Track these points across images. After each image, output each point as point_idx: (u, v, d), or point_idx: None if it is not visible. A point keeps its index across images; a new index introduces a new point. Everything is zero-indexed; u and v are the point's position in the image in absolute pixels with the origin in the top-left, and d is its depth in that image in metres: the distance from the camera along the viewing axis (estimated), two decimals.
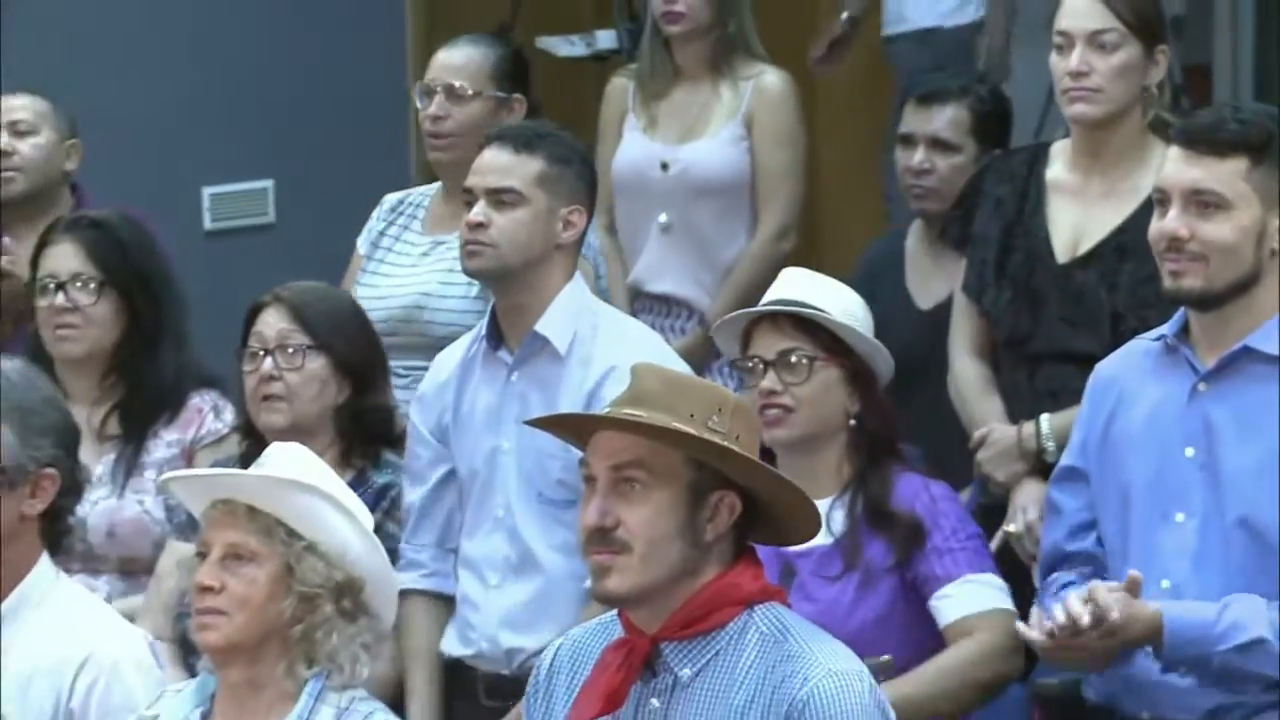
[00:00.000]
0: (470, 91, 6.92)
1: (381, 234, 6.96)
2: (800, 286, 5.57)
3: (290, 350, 6.00)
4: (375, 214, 7.06)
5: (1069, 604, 4.99)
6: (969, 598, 5.36)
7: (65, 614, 5.15)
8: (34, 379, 5.33)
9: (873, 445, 5.46)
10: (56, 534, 5.21)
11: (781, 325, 5.43)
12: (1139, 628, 5.01)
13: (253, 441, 5.92)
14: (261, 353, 5.99)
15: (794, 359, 5.42)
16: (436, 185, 6.97)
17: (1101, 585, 5.01)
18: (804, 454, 5.43)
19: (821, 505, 5.01)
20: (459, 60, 6.99)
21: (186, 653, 5.84)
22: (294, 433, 5.67)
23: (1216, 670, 5.03)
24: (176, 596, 5.91)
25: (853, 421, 5.44)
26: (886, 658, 5.23)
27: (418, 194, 7.07)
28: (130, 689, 4.99)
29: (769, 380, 5.39)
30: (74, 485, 5.21)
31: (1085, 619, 4.97)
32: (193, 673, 5.56)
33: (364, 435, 6.07)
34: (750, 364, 5.45)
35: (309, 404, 6.01)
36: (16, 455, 5.10)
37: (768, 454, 5.25)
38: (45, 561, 5.17)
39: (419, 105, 7.03)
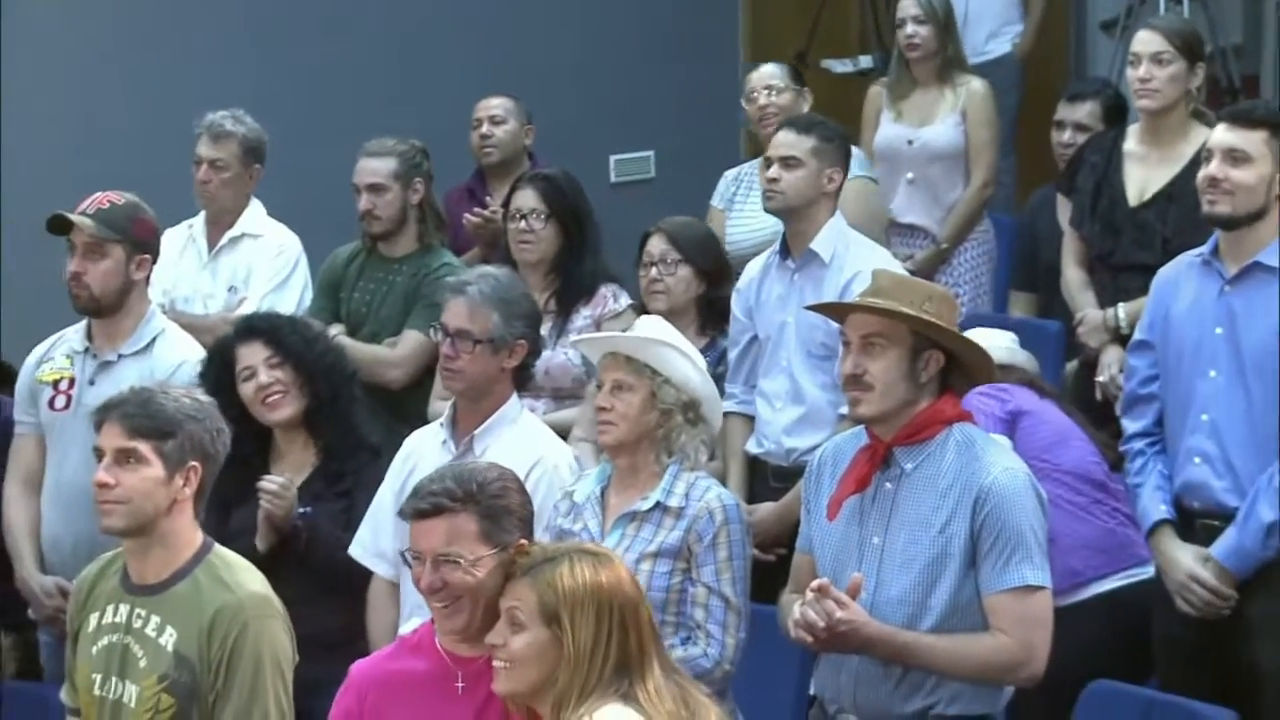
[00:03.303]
0: (783, 86, 7.03)
1: (734, 195, 7.04)
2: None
3: (668, 262, 6.03)
4: (722, 185, 7.16)
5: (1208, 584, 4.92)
6: None
7: (526, 431, 5.17)
8: (515, 280, 5.37)
9: None
10: (522, 380, 5.24)
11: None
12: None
13: None
14: (649, 264, 6.03)
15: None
16: (759, 159, 7.02)
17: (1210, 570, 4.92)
18: None
19: None
20: (773, 70, 7.18)
21: (600, 449, 5.87)
22: (670, 314, 5.66)
23: (1276, 553, 4.92)
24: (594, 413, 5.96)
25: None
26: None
27: (748, 167, 7.15)
28: (564, 480, 5.03)
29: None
30: (536, 350, 5.24)
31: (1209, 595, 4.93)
32: None
33: (715, 315, 6.09)
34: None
35: (680, 296, 6.04)
36: (501, 329, 5.11)
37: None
38: (515, 396, 5.21)
39: (746, 105, 7.17)
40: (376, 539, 5.20)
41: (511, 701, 3.84)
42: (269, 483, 5.27)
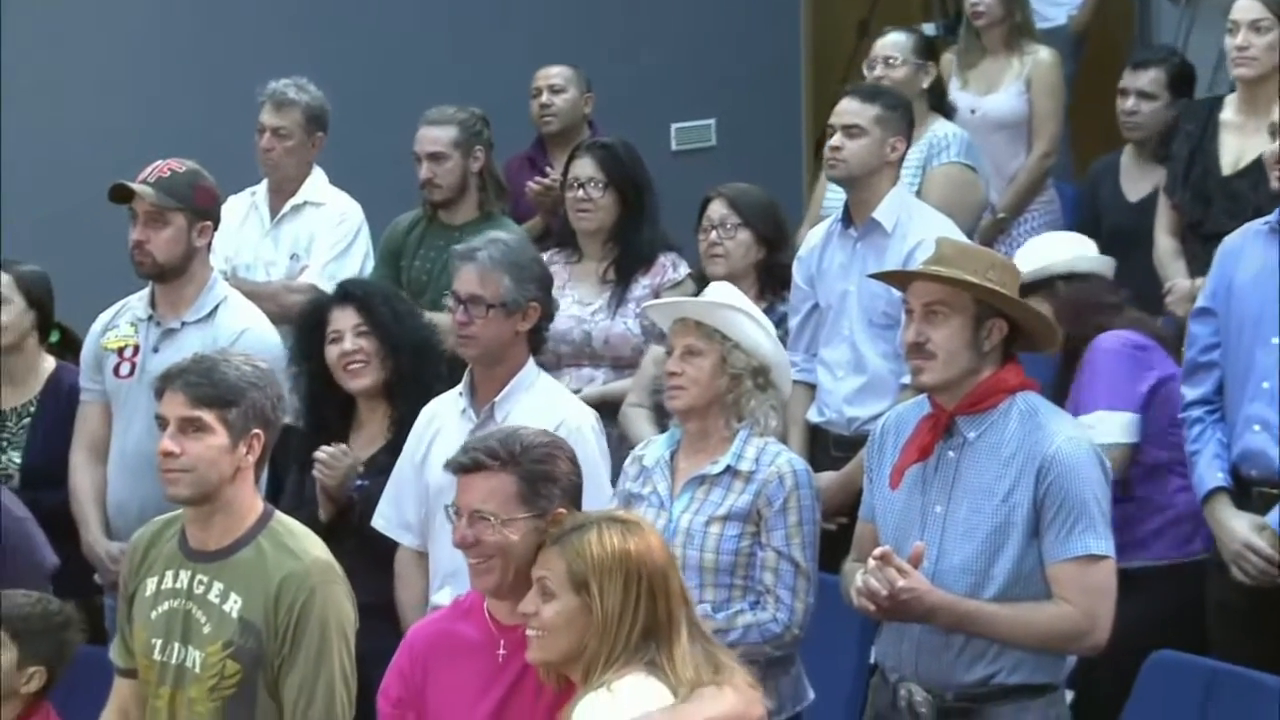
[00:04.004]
0: (900, 60, 6.97)
1: None
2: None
3: (728, 226, 6.01)
4: None
5: (1263, 553, 4.88)
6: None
7: (545, 395, 5.15)
8: (525, 245, 5.34)
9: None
10: (537, 344, 5.22)
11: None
12: None
13: (703, 285, 5.93)
14: (709, 228, 6.02)
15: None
16: None
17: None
18: None
19: None
20: (896, 41, 7.08)
21: (656, 415, 5.88)
22: (729, 278, 5.63)
23: None
24: (652, 379, 5.93)
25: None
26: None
27: None
28: (588, 443, 5.00)
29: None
30: (548, 314, 5.21)
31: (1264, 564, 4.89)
32: (660, 428, 5.68)
33: (774, 281, 6.06)
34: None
35: (739, 261, 6.01)
36: (513, 293, 5.09)
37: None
38: (531, 361, 5.19)
39: (867, 72, 7.09)
40: (400, 510, 5.21)
41: (543, 670, 3.89)
42: (321, 452, 5.31)
